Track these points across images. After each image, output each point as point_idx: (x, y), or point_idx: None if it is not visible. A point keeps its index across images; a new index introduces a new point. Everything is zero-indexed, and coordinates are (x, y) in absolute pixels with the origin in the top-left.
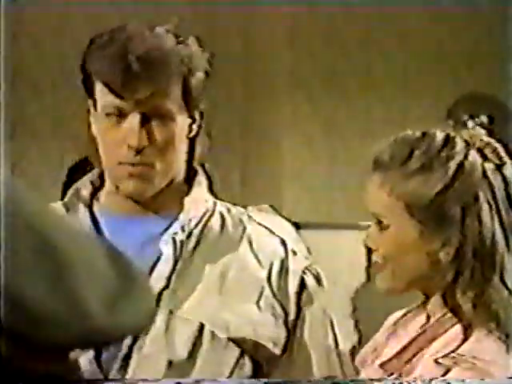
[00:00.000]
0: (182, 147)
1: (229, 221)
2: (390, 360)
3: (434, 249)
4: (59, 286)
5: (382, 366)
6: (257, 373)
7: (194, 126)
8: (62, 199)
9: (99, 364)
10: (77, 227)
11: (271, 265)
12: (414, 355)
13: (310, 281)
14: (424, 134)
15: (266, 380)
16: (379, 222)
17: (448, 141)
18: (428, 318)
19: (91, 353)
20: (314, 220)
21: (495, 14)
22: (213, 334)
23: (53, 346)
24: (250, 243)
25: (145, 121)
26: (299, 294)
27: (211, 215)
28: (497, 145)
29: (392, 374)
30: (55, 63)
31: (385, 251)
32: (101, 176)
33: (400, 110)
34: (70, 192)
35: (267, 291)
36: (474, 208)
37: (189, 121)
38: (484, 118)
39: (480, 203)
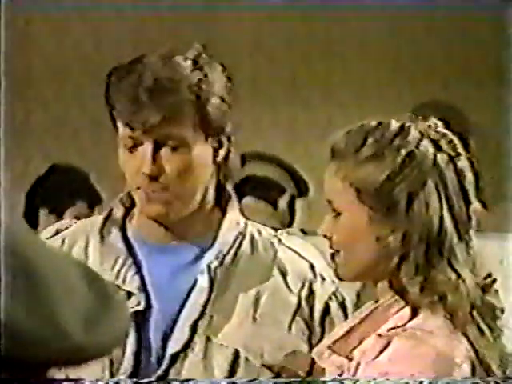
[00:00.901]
0: (205, 172)
1: (260, 244)
2: (337, 341)
3: (383, 234)
4: (37, 306)
5: (330, 348)
6: None
7: (222, 151)
8: (25, 207)
9: None
10: (55, 249)
11: (301, 290)
12: (363, 338)
13: (333, 306)
14: (380, 124)
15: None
16: (333, 210)
17: (402, 130)
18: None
19: (126, 375)
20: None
21: (452, 25)
22: (247, 359)
23: (32, 364)
24: (281, 268)
25: (157, 149)
26: (323, 318)
27: (242, 240)
28: (453, 137)
29: (351, 359)
30: (21, 72)
31: (338, 238)
32: (130, 195)
33: (360, 118)
34: (103, 216)
35: (298, 316)
36: (422, 196)
37: (210, 146)
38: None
39: (428, 192)
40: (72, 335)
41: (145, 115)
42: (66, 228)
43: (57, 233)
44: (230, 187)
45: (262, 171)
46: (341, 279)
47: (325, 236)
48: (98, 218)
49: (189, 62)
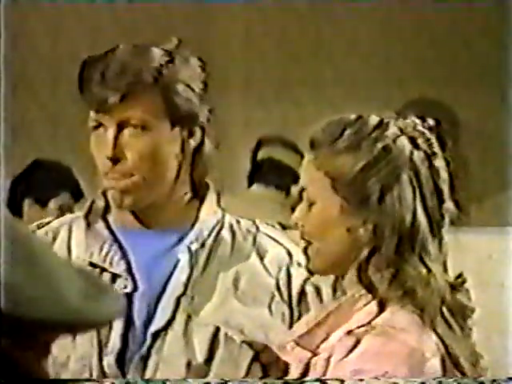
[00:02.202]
0: (172, 160)
1: (238, 232)
2: (303, 336)
3: (354, 226)
4: (37, 270)
5: (296, 342)
6: (265, 375)
7: (192, 141)
8: (8, 200)
9: (121, 366)
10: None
11: (278, 273)
12: (330, 333)
13: (309, 290)
14: (360, 117)
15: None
16: (307, 199)
17: (381, 124)
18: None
19: (113, 355)
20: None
21: (441, 22)
22: (227, 336)
23: (31, 324)
24: (260, 253)
25: (120, 132)
26: (299, 301)
27: (222, 226)
28: (431, 136)
29: (313, 355)
30: (17, 71)
31: (309, 228)
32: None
33: (349, 115)
34: (87, 204)
35: (277, 297)
36: (396, 190)
37: (178, 135)
38: (431, 121)
39: (402, 186)
40: (69, 299)
41: (105, 95)
42: (48, 223)
43: (38, 228)
44: (199, 178)
45: (278, 155)
46: (312, 273)
47: (296, 225)
48: (80, 212)
49: (161, 51)
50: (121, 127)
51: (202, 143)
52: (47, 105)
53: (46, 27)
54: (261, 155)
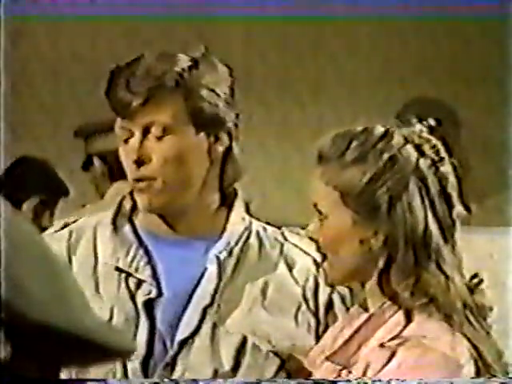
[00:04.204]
0: (199, 165)
1: (266, 240)
2: (335, 352)
3: (366, 237)
4: (56, 292)
5: (328, 358)
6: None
7: (219, 146)
8: None
9: (146, 372)
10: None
11: (305, 282)
12: (360, 345)
13: (336, 300)
14: (365, 129)
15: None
16: (319, 213)
17: (386, 135)
18: (368, 308)
19: (138, 361)
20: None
21: (441, 22)
22: (254, 345)
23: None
24: (288, 262)
25: (145, 136)
26: (327, 312)
27: (249, 234)
28: (437, 142)
29: (344, 368)
30: (17, 71)
31: (324, 241)
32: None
33: (350, 115)
34: (115, 207)
35: (304, 307)
36: (404, 199)
37: (204, 140)
38: (432, 121)
39: (410, 196)
40: (88, 328)
41: (129, 99)
42: (73, 222)
43: (64, 226)
44: (229, 185)
45: None
46: (331, 285)
47: (311, 238)
48: (106, 213)
49: (185, 57)
50: (146, 131)
51: (229, 149)
52: (47, 105)
53: (46, 27)
54: None
